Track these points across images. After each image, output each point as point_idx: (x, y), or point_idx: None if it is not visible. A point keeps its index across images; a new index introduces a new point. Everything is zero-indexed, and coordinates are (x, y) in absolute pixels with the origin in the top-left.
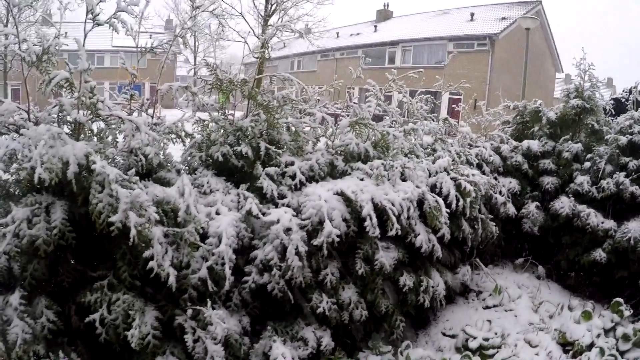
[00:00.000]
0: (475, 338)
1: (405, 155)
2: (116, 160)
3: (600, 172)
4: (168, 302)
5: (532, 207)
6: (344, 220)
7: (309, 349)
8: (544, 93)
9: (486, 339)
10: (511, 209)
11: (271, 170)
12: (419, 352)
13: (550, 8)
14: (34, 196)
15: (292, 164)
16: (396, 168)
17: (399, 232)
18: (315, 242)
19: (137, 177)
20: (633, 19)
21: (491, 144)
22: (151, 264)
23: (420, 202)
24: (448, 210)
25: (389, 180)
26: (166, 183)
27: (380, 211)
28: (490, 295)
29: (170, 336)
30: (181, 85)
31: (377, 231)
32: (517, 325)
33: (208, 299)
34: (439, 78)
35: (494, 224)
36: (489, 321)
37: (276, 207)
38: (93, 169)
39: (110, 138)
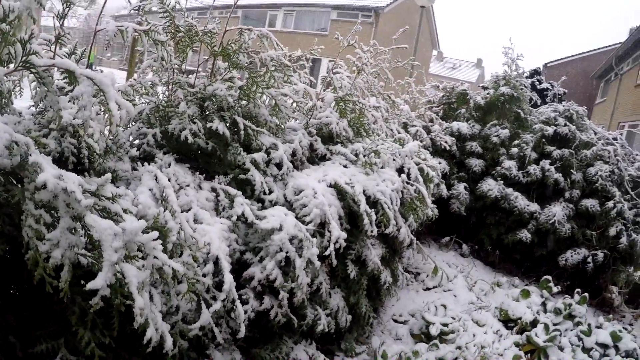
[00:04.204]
0: (433, 324)
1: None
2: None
3: (527, 158)
4: None
5: (461, 187)
6: (339, 217)
7: None
8: (422, 69)
9: (445, 324)
10: (444, 190)
11: (258, 156)
12: (394, 349)
13: None
14: None
15: (274, 147)
16: (386, 155)
17: (394, 228)
18: (327, 251)
19: (124, 188)
20: None
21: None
22: (149, 333)
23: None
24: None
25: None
26: (114, 178)
27: (370, 204)
28: (428, 276)
29: None
30: (138, 29)
31: (375, 229)
32: (457, 305)
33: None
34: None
35: (434, 205)
36: (444, 306)
37: (262, 204)
38: (31, 180)
39: (51, 111)
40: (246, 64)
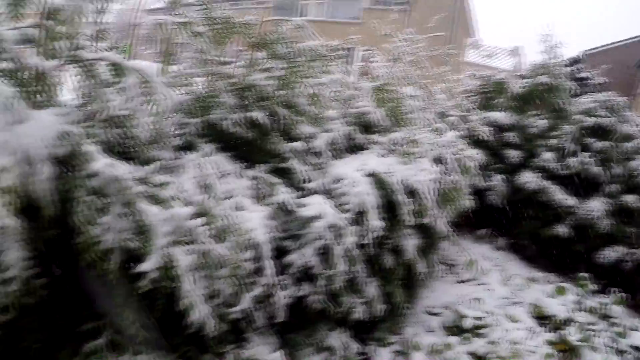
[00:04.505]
0: (466, 317)
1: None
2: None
3: (566, 150)
4: (189, 344)
5: (498, 179)
6: (377, 207)
7: (337, 358)
8: (458, 57)
9: (478, 318)
10: (481, 181)
11: (297, 145)
12: (426, 340)
13: None
14: None
15: (313, 136)
16: (423, 144)
17: (431, 219)
18: (364, 240)
19: (169, 176)
20: None
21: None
22: (193, 315)
23: None
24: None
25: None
26: (160, 167)
27: (408, 194)
28: (462, 268)
29: None
30: (177, 22)
31: (412, 219)
32: (492, 299)
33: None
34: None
35: (471, 197)
36: (478, 300)
37: (302, 192)
38: (83, 169)
39: (96, 102)
40: (284, 54)
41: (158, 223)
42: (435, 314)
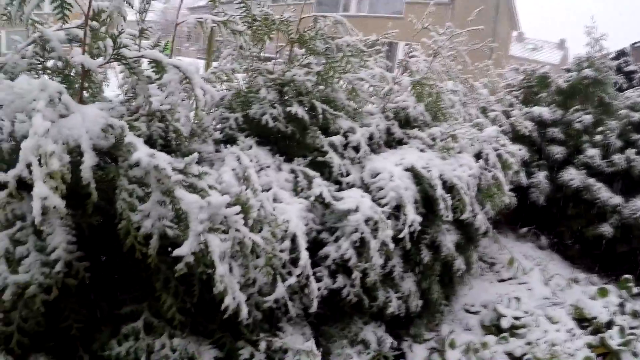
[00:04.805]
0: (505, 317)
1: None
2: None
3: (611, 146)
4: (223, 330)
5: (541, 176)
6: (415, 202)
7: (371, 352)
8: (501, 50)
9: (517, 318)
10: (524, 178)
11: (335, 139)
12: (463, 338)
13: None
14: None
15: (352, 130)
16: (463, 139)
17: (470, 215)
18: (401, 234)
19: (208, 168)
20: None
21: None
22: (227, 301)
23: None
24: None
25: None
26: (199, 159)
27: (447, 189)
28: (503, 267)
29: None
30: (217, 20)
31: (451, 215)
32: (531, 299)
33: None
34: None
35: (512, 194)
36: (517, 299)
37: (339, 186)
38: (125, 159)
39: (140, 98)
40: (323, 50)
41: (195, 210)
42: (473, 312)
